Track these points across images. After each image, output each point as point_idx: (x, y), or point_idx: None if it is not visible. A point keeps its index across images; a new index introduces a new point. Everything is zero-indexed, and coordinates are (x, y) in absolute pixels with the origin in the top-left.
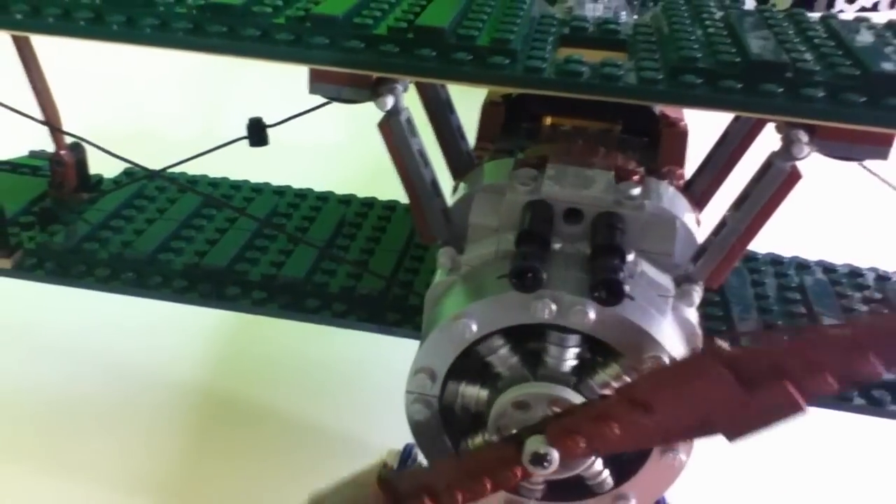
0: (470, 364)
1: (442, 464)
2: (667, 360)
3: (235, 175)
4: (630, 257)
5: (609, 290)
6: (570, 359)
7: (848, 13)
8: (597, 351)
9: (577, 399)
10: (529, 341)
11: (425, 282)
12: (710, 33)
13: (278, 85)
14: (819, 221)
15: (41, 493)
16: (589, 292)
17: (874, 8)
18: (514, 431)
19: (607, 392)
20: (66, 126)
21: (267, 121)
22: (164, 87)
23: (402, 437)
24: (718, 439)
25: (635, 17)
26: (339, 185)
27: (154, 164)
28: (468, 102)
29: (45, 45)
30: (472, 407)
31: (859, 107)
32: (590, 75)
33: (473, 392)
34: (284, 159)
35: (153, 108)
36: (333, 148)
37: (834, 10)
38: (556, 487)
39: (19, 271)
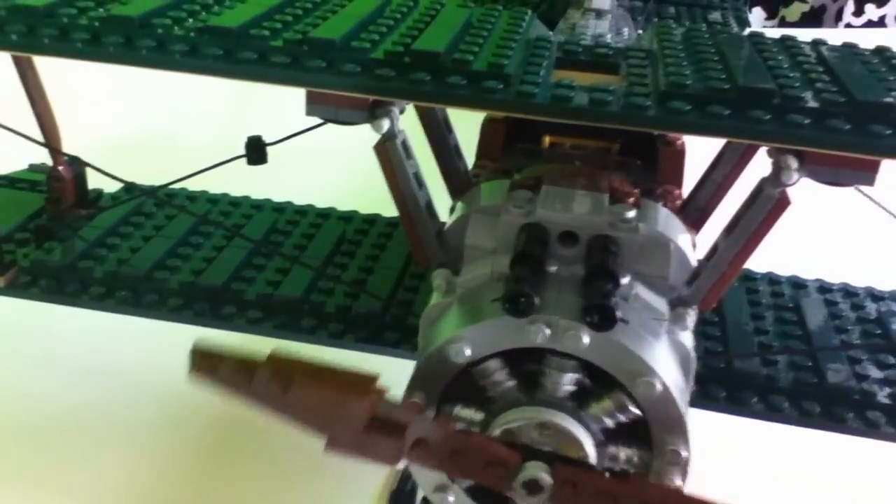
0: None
1: (433, 422)
2: (659, 386)
3: (242, 186)
4: (625, 280)
5: (601, 316)
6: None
7: (856, 26)
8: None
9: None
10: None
11: (425, 301)
12: (700, 58)
13: (292, 98)
14: (815, 240)
15: None
16: (582, 316)
17: (881, 22)
18: (523, 445)
19: (625, 471)
20: (74, 135)
21: (279, 133)
22: (176, 97)
23: None
24: None
25: (639, 31)
26: (349, 198)
27: (161, 176)
28: (469, 120)
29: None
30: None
31: (845, 133)
32: (579, 100)
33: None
34: (292, 170)
35: (164, 117)
36: (344, 158)
37: (842, 23)
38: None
39: (13, 289)
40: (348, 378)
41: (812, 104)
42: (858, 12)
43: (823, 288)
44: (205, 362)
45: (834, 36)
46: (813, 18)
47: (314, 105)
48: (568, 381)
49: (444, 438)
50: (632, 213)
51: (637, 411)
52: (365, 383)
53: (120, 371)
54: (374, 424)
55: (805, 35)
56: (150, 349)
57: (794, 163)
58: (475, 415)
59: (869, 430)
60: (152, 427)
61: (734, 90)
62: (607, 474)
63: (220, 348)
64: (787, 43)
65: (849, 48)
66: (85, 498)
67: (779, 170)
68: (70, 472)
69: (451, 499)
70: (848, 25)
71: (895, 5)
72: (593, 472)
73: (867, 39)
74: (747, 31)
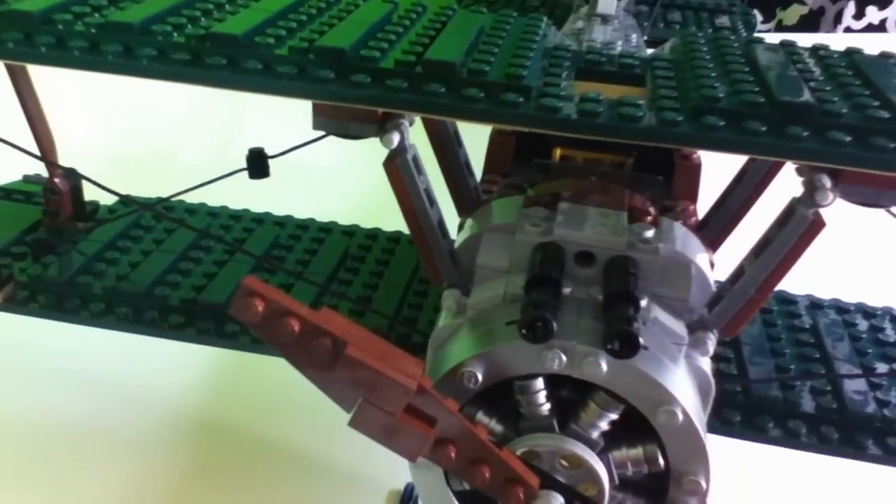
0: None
1: (466, 425)
2: (680, 415)
3: (242, 200)
4: (643, 303)
5: (623, 343)
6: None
7: (856, 30)
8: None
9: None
10: None
11: (428, 317)
12: (731, 70)
13: (297, 108)
14: (832, 259)
15: None
16: (602, 343)
17: (881, 26)
18: (544, 472)
19: None
20: (73, 148)
21: (282, 146)
22: (182, 109)
23: (403, 474)
24: None
25: (645, 38)
26: (349, 212)
27: (162, 189)
28: (476, 133)
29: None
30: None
31: (888, 152)
32: (608, 116)
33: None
34: (292, 184)
35: (169, 130)
36: (342, 173)
37: (841, 27)
38: None
39: (11, 305)
40: (400, 358)
41: (854, 121)
42: (859, 15)
43: (840, 308)
44: (249, 298)
45: (832, 41)
46: (811, 22)
47: (321, 118)
48: (606, 421)
49: (472, 445)
50: (651, 233)
51: (662, 466)
52: (414, 368)
53: (118, 385)
54: (407, 412)
55: (803, 40)
56: (147, 363)
57: (828, 182)
58: (496, 426)
59: (890, 457)
60: (150, 439)
61: (770, 105)
62: None
63: (270, 288)
64: (820, 53)
65: (886, 58)
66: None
67: (812, 190)
68: (71, 482)
69: None
70: (847, 29)
71: None
72: None
73: (868, 44)
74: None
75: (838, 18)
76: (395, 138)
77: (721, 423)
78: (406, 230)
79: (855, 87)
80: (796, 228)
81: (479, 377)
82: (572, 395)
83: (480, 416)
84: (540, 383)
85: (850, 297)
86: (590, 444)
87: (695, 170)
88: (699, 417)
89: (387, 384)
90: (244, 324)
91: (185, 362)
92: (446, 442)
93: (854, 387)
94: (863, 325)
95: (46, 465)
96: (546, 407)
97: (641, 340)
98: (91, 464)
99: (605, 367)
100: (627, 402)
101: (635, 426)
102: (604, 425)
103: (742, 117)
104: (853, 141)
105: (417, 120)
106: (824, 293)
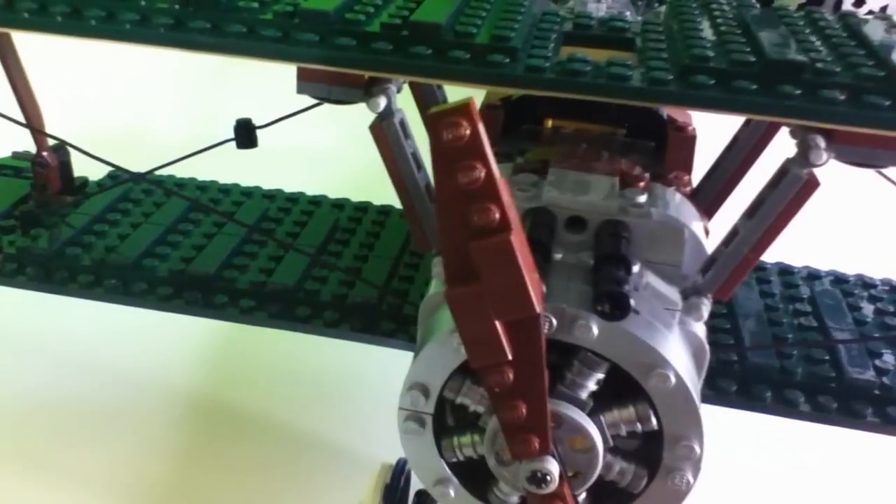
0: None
1: (542, 370)
2: (672, 379)
3: (230, 178)
4: (635, 268)
5: (613, 304)
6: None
7: None
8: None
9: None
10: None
11: (420, 290)
12: (722, 31)
13: (284, 84)
14: (830, 229)
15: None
16: (592, 305)
17: (882, 13)
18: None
19: None
20: (56, 126)
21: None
22: (165, 86)
23: (396, 449)
24: None
25: (639, 18)
26: (337, 188)
27: (148, 166)
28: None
29: (43, 44)
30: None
31: (883, 110)
32: (595, 75)
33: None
34: (281, 162)
35: (152, 108)
36: (332, 150)
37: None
38: None
39: None
40: (536, 276)
41: (846, 79)
42: (859, 2)
43: (839, 279)
44: (464, 118)
45: None
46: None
47: (306, 83)
48: (592, 380)
49: (529, 381)
50: (643, 198)
51: (655, 426)
52: (541, 293)
53: (110, 364)
54: (504, 325)
55: None
56: (148, 342)
57: (822, 142)
58: (485, 392)
59: (888, 426)
60: (143, 418)
61: (761, 63)
62: None
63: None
64: (813, 15)
65: (881, 19)
66: (87, 483)
67: (806, 150)
68: (65, 461)
69: (450, 492)
70: None
71: None
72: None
73: None
74: None
75: (838, 5)
76: (382, 102)
77: (717, 393)
78: (397, 204)
79: (849, 47)
80: (790, 188)
81: None
82: (560, 359)
83: (469, 385)
84: None
85: (849, 268)
86: (578, 405)
87: (689, 141)
88: (692, 381)
89: (517, 293)
90: (438, 142)
91: (178, 341)
92: (509, 366)
93: (852, 355)
94: (861, 295)
95: (35, 444)
96: None
97: (633, 303)
98: (85, 443)
99: (595, 330)
100: (617, 365)
101: (628, 389)
102: (591, 385)
103: (732, 76)
104: (846, 99)
105: (407, 91)
106: (822, 264)
